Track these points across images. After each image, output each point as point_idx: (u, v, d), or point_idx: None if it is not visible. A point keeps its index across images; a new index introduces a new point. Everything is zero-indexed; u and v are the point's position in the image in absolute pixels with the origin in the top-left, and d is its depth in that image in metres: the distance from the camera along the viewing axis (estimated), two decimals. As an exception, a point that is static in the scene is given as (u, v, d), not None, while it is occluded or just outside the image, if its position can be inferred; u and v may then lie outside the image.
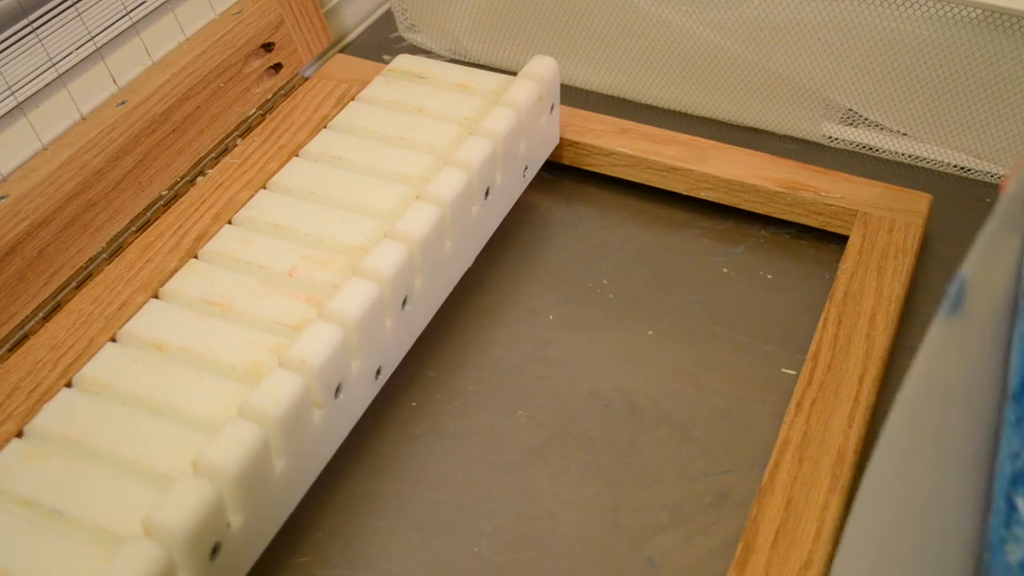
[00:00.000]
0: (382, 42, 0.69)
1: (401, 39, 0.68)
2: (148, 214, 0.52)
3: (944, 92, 0.55)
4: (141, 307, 0.44)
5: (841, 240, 0.53)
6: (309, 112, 0.56)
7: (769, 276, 0.53)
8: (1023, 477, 0.22)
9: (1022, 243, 0.25)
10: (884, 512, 0.23)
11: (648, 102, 0.63)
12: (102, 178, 0.50)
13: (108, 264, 0.48)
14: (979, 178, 0.58)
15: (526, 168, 0.54)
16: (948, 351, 0.23)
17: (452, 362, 0.49)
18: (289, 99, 0.58)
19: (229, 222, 0.48)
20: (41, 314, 0.47)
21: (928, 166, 0.59)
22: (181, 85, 0.54)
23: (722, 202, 0.55)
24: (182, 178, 0.54)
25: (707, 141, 0.57)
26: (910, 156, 0.59)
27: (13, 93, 0.48)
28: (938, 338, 0.23)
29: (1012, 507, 0.22)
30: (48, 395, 0.41)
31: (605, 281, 0.53)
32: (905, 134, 0.58)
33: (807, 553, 0.38)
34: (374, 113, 0.54)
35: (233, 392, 0.40)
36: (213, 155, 0.55)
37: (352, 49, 0.68)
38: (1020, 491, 0.22)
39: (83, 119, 0.51)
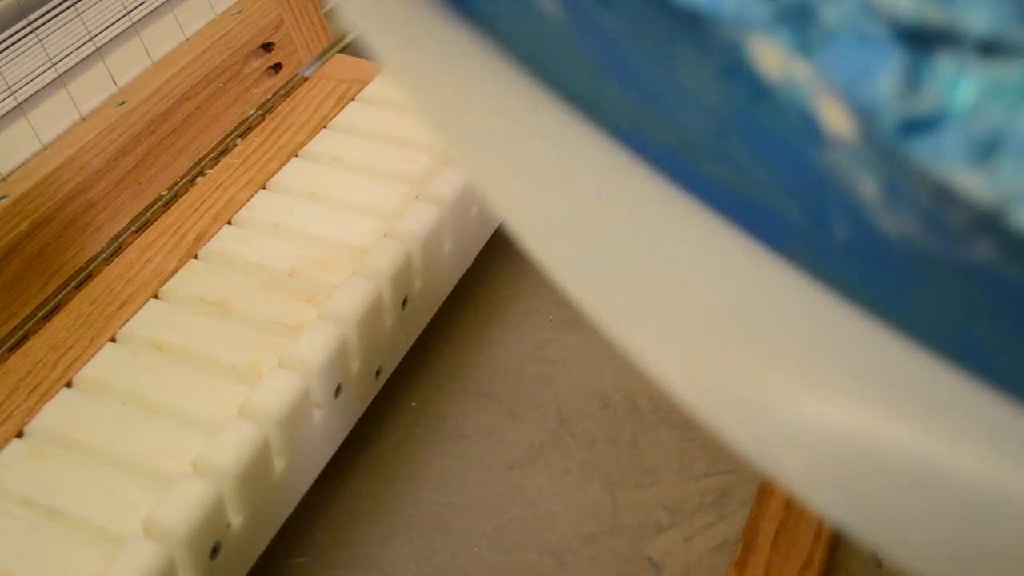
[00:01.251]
0: (382, 42, 0.69)
1: (401, 39, 0.68)
2: (148, 214, 0.52)
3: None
4: (141, 307, 0.44)
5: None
6: (309, 112, 0.56)
7: (769, 276, 0.53)
8: None
9: None
10: None
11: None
12: (102, 178, 0.50)
13: (108, 264, 0.48)
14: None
15: (526, 168, 0.53)
16: None
17: (452, 362, 0.49)
18: (289, 99, 0.58)
19: (229, 222, 0.48)
20: (41, 314, 0.47)
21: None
22: (181, 85, 0.53)
23: (722, 202, 0.55)
24: (182, 178, 0.54)
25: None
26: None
27: (13, 93, 0.48)
28: None
29: None
30: (48, 395, 0.41)
31: (605, 281, 0.53)
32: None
33: (807, 553, 0.38)
34: (374, 113, 0.54)
35: (233, 392, 0.40)
36: (213, 155, 0.55)
37: (352, 49, 0.68)
38: None
39: (83, 119, 0.51)
